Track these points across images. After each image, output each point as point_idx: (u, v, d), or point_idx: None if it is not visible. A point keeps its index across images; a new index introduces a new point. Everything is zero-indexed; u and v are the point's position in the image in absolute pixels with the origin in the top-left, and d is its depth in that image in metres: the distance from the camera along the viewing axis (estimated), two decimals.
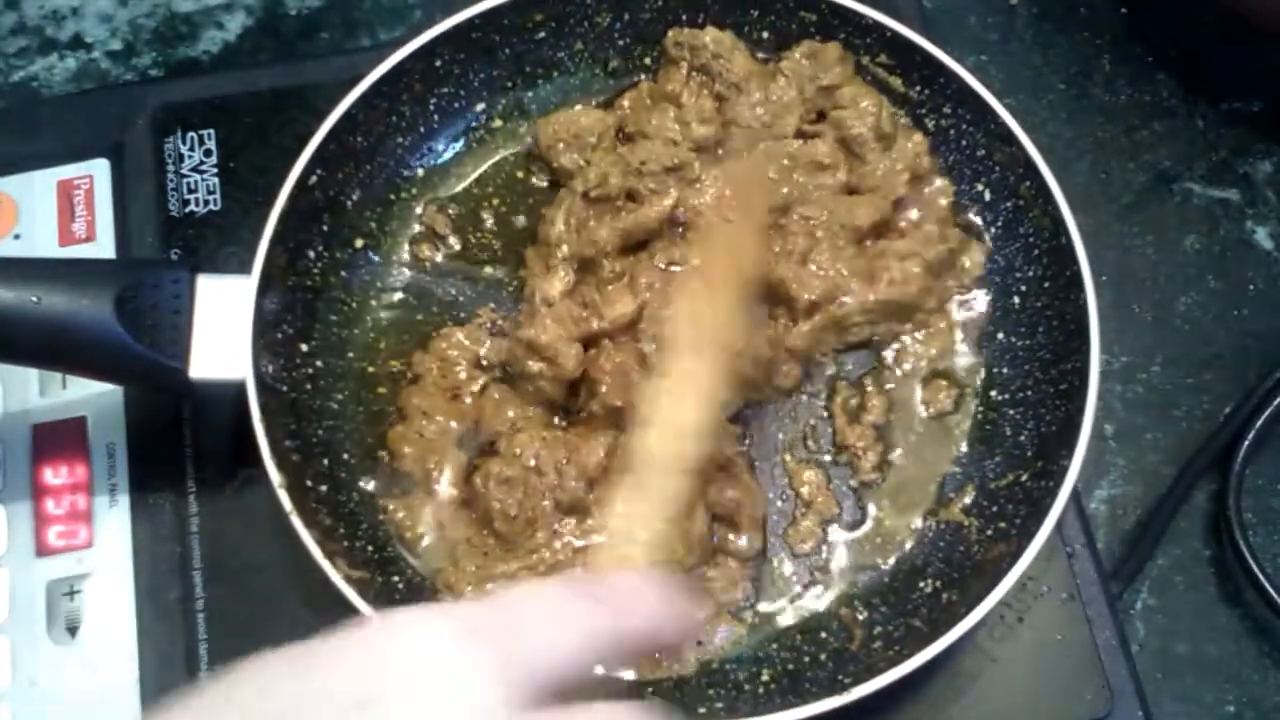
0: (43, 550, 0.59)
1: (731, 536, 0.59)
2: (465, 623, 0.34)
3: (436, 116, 0.67)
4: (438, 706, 0.32)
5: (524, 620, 0.35)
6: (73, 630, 0.58)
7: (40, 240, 0.65)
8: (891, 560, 0.60)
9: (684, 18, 0.68)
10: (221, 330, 0.56)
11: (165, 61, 0.76)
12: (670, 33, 0.67)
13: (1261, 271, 0.71)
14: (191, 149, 0.68)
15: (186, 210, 0.66)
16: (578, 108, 0.67)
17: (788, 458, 0.62)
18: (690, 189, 0.61)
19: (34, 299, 0.52)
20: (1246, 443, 0.64)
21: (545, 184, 0.67)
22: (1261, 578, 0.61)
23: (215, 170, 0.67)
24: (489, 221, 0.66)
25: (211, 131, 0.68)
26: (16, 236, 0.65)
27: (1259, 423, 0.65)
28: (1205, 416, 0.67)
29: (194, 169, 0.67)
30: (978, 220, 0.65)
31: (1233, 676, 0.62)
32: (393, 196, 0.66)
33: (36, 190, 0.66)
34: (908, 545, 0.60)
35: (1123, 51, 0.77)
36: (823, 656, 0.57)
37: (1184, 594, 0.64)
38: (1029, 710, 0.58)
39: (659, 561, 0.45)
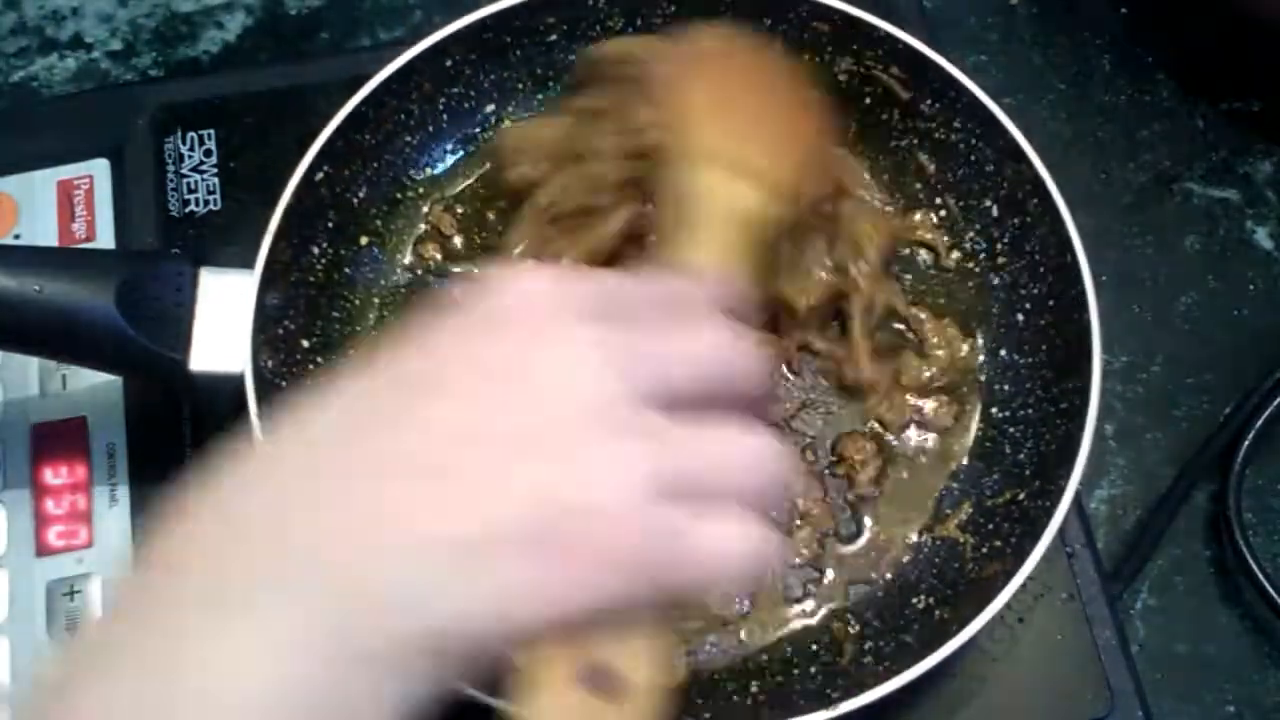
0: (43, 550, 0.59)
1: None
2: (596, 303, 0.34)
3: (445, 116, 0.66)
4: (572, 382, 0.33)
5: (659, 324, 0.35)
6: (73, 630, 0.58)
7: (40, 240, 0.65)
8: (886, 575, 0.60)
9: (695, 21, 0.68)
10: (223, 324, 0.55)
11: (165, 61, 0.76)
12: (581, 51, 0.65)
13: (1261, 271, 0.71)
14: (191, 149, 0.68)
15: (186, 210, 0.66)
16: (538, 120, 0.65)
17: None
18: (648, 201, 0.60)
19: (36, 288, 0.52)
20: (1246, 443, 0.64)
21: None
22: (1261, 578, 0.61)
23: (215, 170, 0.67)
24: (495, 222, 0.66)
25: (211, 131, 0.68)
26: (16, 236, 0.65)
27: (1259, 423, 0.65)
28: (1205, 416, 0.67)
29: (194, 169, 0.67)
30: (982, 238, 0.65)
31: (1233, 676, 0.62)
32: (399, 195, 0.66)
33: (36, 190, 0.66)
34: (903, 560, 0.60)
35: (1123, 51, 0.77)
36: (812, 670, 0.57)
37: (1184, 594, 0.64)
38: (1029, 710, 0.58)
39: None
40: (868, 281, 0.63)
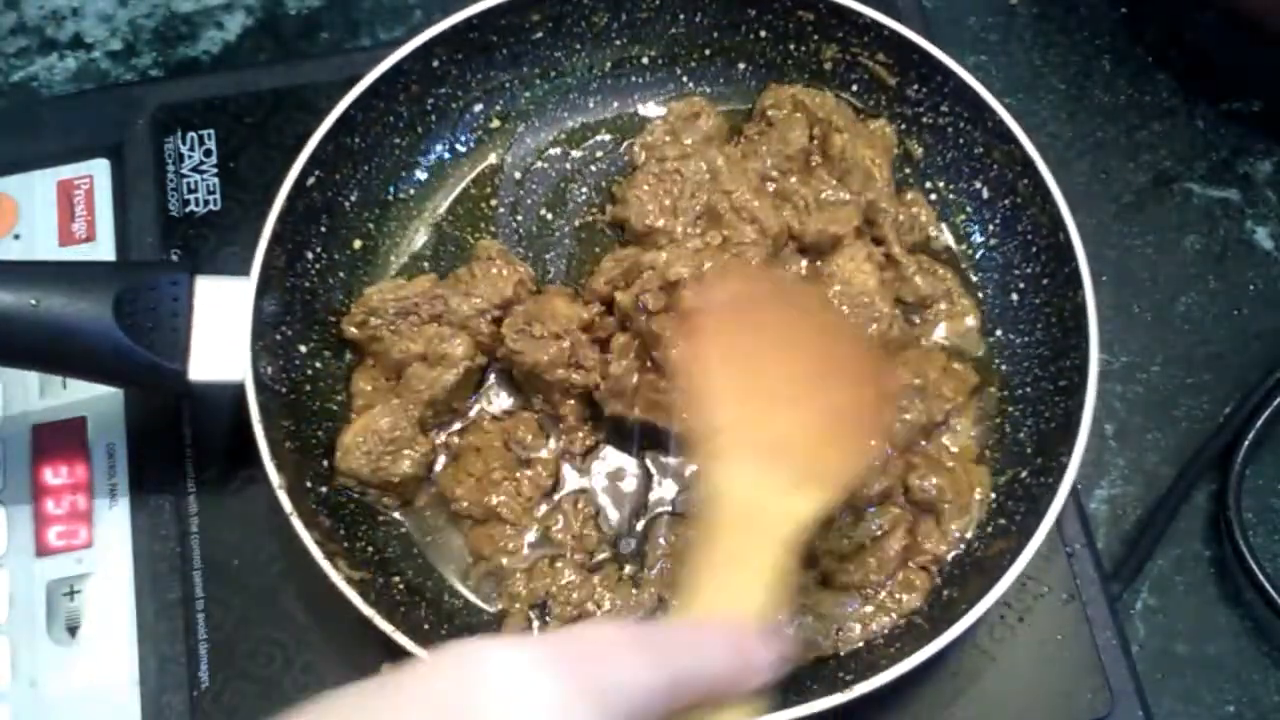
0: (43, 550, 0.59)
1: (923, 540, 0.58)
2: (545, 652, 0.34)
3: (434, 117, 0.67)
4: None
5: (602, 652, 0.35)
6: (73, 630, 0.58)
7: (40, 240, 0.65)
8: None
9: (681, 17, 0.68)
10: (221, 332, 0.56)
11: (165, 61, 0.76)
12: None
13: (1261, 271, 0.71)
14: (191, 149, 0.68)
15: (186, 210, 0.66)
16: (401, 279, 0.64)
17: None
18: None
19: (32, 302, 0.52)
20: (1246, 443, 0.64)
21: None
22: (1261, 578, 0.61)
23: (215, 170, 0.67)
24: (486, 223, 0.67)
25: (211, 131, 0.68)
26: (16, 236, 0.65)
27: (1259, 423, 0.65)
28: (1205, 416, 0.67)
29: (194, 169, 0.67)
30: (974, 220, 0.66)
31: (1233, 676, 0.62)
32: (390, 198, 0.66)
33: (36, 190, 0.66)
34: None
35: (1123, 51, 0.77)
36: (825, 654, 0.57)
37: (1184, 594, 0.64)
38: (1029, 710, 0.58)
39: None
40: (888, 199, 0.64)
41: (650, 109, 0.70)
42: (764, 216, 0.62)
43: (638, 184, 0.64)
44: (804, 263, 0.64)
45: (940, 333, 0.64)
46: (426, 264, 0.65)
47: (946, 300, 0.64)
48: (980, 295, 0.65)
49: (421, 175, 0.67)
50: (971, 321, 0.64)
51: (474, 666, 0.33)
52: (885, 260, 0.64)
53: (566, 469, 0.61)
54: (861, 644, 0.57)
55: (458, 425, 0.61)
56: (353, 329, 0.61)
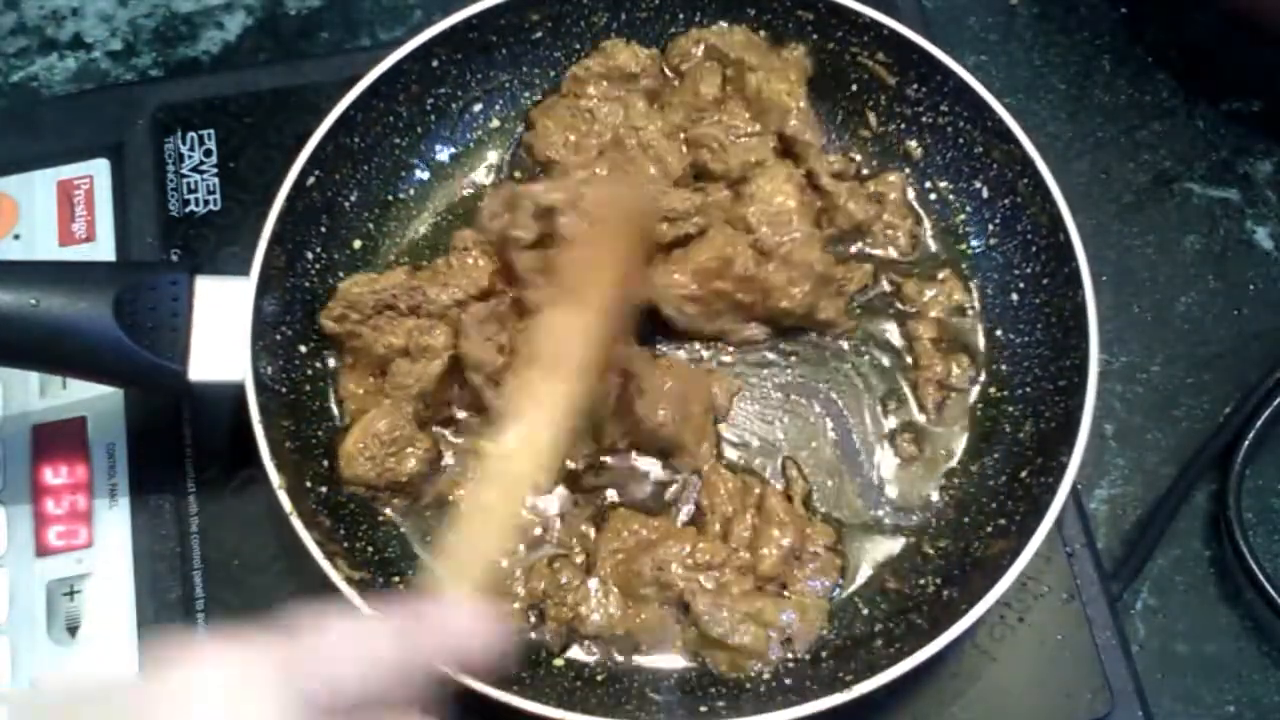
0: (43, 550, 0.59)
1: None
2: (253, 650, 0.37)
3: (433, 117, 0.67)
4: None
5: (314, 648, 0.37)
6: (73, 630, 0.58)
7: (40, 240, 0.65)
8: None
9: (680, 17, 0.68)
10: (221, 332, 0.56)
11: (165, 61, 0.76)
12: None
13: (1261, 271, 0.71)
14: (191, 149, 0.68)
15: (186, 210, 0.66)
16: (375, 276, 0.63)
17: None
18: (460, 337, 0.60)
19: (32, 302, 0.52)
20: (1246, 443, 0.64)
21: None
22: (1261, 578, 0.61)
23: (215, 170, 0.67)
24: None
25: (211, 131, 0.68)
26: (16, 236, 0.65)
27: (1259, 423, 0.65)
28: (1205, 416, 0.67)
29: (194, 169, 0.67)
30: (973, 220, 0.66)
31: (1233, 676, 0.62)
32: (390, 198, 0.66)
33: (36, 190, 0.66)
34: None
35: (1123, 51, 0.77)
36: (824, 654, 0.57)
37: (1184, 594, 0.64)
38: (1029, 710, 0.58)
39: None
40: (809, 129, 0.65)
41: None
42: (669, 156, 0.63)
43: (550, 112, 0.65)
44: (725, 191, 0.64)
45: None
46: (426, 264, 0.65)
47: (881, 224, 0.65)
48: (980, 294, 0.65)
49: (422, 175, 0.67)
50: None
51: (178, 667, 0.37)
52: (813, 190, 0.64)
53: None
54: (859, 643, 0.57)
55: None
56: (330, 323, 0.60)
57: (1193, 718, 0.61)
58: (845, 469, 0.62)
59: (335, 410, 0.61)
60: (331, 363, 0.62)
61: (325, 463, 0.59)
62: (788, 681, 0.56)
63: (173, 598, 0.58)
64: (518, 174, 0.67)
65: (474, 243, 0.61)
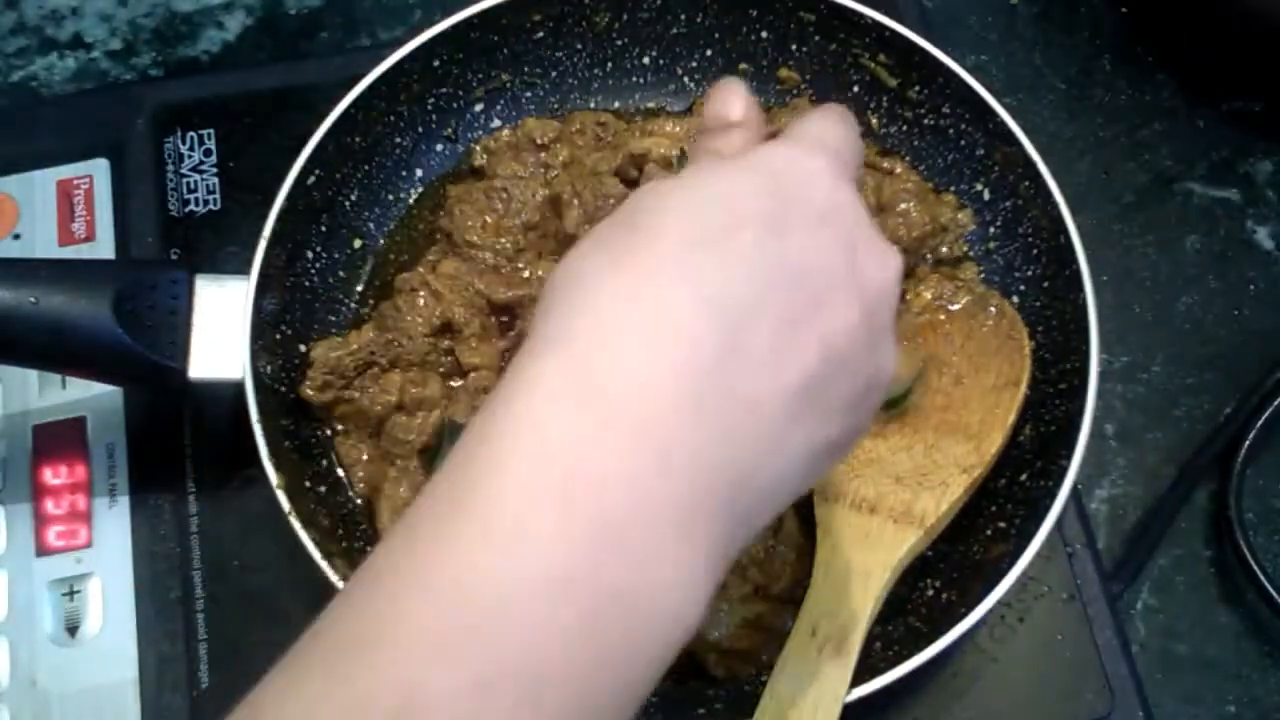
0: (42, 550, 0.59)
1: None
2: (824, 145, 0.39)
3: (435, 117, 0.67)
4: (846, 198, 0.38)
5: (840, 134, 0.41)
6: (73, 630, 0.58)
7: (40, 240, 0.65)
8: None
9: (683, 17, 0.68)
10: (220, 330, 0.55)
11: (165, 61, 0.76)
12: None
13: (1261, 271, 0.71)
14: (191, 149, 0.68)
15: (186, 210, 0.66)
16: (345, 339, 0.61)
17: None
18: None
19: (32, 299, 0.52)
20: (1247, 443, 0.64)
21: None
22: (1262, 577, 0.61)
23: (215, 170, 0.67)
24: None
25: (211, 131, 0.68)
26: (16, 236, 0.65)
27: (1259, 423, 0.65)
28: (1205, 416, 0.67)
29: (194, 169, 0.67)
30: (975, 222, 0.66)
31: (1233, 676, 0.62)
32: (391, 197, 0.66)
33: (36, 190, 0.66)
34: None
35: (1123, 51, 0.77)
36: None
37: (1184, 594, 0.64)
38: (1029, 710, 0.58)
39: None
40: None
41: (650, 109, 0.70)
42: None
43: (466, 194, 0.64)
44: None
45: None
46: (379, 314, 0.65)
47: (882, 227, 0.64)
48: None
49: (422, 175, 0.67)
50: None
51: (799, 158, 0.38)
52: None
53: None
54: None
55: None
56: (313, 393, 0.58)
57: (1193, 718, 0.61)
58: None
59: (344, 477, 0.60)
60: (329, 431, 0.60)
61: (324, 462, 0.59)
62: None
63: (173, 598, 0.58)
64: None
65: (419, 283, 0.60)
